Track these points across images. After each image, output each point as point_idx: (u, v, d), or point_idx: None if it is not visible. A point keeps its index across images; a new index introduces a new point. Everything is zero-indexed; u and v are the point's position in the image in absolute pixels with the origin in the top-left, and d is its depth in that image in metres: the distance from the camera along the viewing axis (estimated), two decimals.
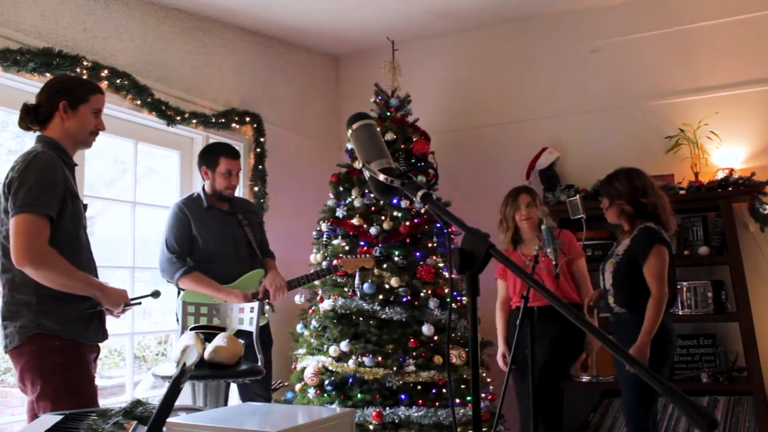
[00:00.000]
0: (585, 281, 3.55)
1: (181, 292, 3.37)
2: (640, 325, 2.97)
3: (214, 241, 3.34)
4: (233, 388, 3.38)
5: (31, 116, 2.27)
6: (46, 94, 2.29)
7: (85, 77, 2.60)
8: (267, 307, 3.37)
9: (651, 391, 2.98)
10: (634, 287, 3.03)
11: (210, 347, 2.58)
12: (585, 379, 3.98)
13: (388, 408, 3.54)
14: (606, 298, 3.18)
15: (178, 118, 3.84)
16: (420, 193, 1.31)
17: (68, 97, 2.27)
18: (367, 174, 1.41)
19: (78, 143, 2.35)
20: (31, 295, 2.13)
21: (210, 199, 3.43)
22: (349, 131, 1.49)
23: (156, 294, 2.57)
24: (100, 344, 2.41)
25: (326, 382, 3.72)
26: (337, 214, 4.05)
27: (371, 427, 3.51)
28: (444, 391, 3.62)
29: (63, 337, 2.14)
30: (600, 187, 3.35)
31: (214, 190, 3.41)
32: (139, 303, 2.51)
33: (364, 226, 3.95)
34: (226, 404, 3.24)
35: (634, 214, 3.12)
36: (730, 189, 3.83)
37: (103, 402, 3.85)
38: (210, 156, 3.43)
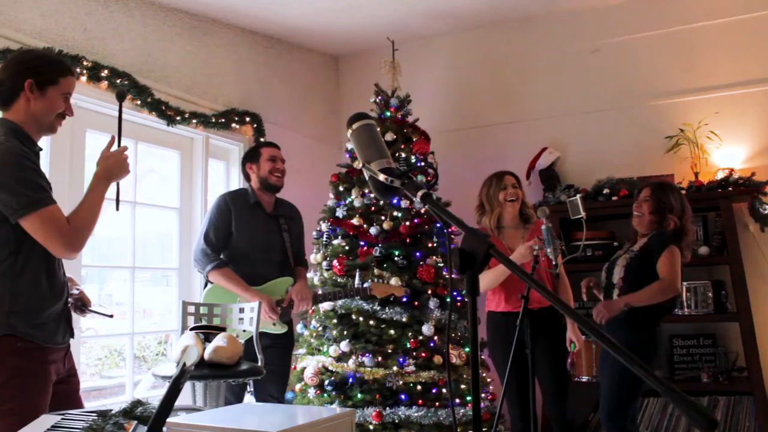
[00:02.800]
0: (563, 281, 3.47)
1: (208, 285, 3.35)
2: (641, 321, 3.01)
3: (249, 240, 3.32)
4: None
5: None
6: (10, 71, 2.08)
7: (55, 57, 2.35)
8: (274, 324, 3.32)
9: (634, 390, 3.01)
10: (643, 283, 3.04)
11: (210, 347, 2.58)
12: (585, 379, 3.98)
13: (388, 408, 3.54)
14: (610, 293, 3.19)
15: (178, 118, 3.84)
16: (420, 193, 1.31)
17: (36, 77, 2.06)
18: (367, 174, 1.41)
19: (42, 127, 2.14)
20: (5, 294, 2.03)
21: (257, 195, 3.42)
22: (349, 131, 1.49)
23: (122, 99, 2.31)
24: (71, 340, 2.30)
25: (326, 382, 3.72)
26: (337, 214, 4.05)
27: (371, 427, 3.51)
28: (444, 391, 3.62)
29: (28, 340, 2.04)
30: (650, 189, 3.24)
31: (262, 179, 3.40)
32: (120, 112, 2.30)
33: (364, 226, 3.95)
34: (241, 401, 3.26)
35: (671, 231, 3.13)
36: (730, 189, 3.83)
37: (103, 402, 3.86)
38: (250, 153, 3.51)
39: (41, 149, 2.20)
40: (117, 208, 2.29)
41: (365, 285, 3.60)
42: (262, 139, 4.46)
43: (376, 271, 3.79)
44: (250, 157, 3.48)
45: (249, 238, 3.32)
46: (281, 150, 3.56)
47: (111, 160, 2.19)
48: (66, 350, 2.27)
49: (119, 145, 2.25)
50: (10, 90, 2.07)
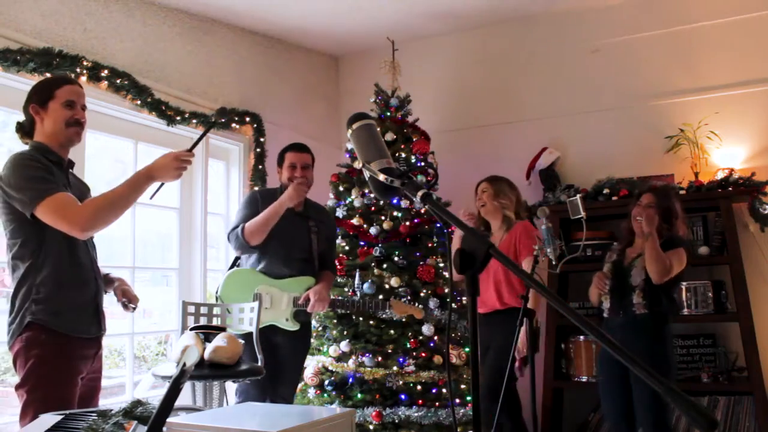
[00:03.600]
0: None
1: (234, 267, 3.38)
2: (658, 326, 3.02)
3: (272, 235, 3.25)
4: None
5: (21, 131, 2.35)
6: (24, 107, 2.34)
7: (53, 77, 2.58)
8: (287, 319, 3.28)
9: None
10: (671, 288, 3.08)
11: (210, 347, 2.58)
12: (584, 379, 3.98)
13: (388, 408, 3.54)
14: (629, 295, 3.14)
15: (178, 118, 3.84)
16: (420, 193, 1.31)
17: (35, 100, 2.30)
18: (367, 174, 1.41)
19: (61, 137, 2.31)
20: (29, 286, 2.19)
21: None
22: (349, 131, 1.49)
23: (212, 125, 2.54)
24: (102, 339, 2.40)
25: (326, 382, 3.72)
26: (337, 214, 4.06)
27: (371, 427, 3.51)
28: (444, 391, 3.62)
29: (52, 329, 2.17)
30: (660, 190, 3.27)
31: (282, 184, 3.38)
32: (206, 133, 2.51)
33: (364, 226, 3.95)
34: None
35: (670, 235, 3.16)
36: (730, 189, 3.83)
37: (103, 402, 3.86)
38: (279, 156, 3.46)
39: (73, 162, 2.41)
40: (151, 197, 2.38)
41: (386, 301, 3.55)
42: (262, 140, 4.47)
43: (375, 271, 3.79)
44: (278, 161, 3.44)
45: (273, 232, 3.25)
46: (309, 152, 3.45)
47: (160, 160, 2.31)
48: (97, 347, 2.37)
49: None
50: (28, 122, 2.33)
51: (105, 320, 2.43)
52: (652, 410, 3.02)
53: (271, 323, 3.23)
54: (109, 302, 2.51)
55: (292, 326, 3.28)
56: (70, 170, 2.42)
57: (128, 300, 2.48)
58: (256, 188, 3.52)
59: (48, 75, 3.09)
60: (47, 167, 2.22)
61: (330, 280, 3.46)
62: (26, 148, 2.32)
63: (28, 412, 2.11)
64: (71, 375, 2.22)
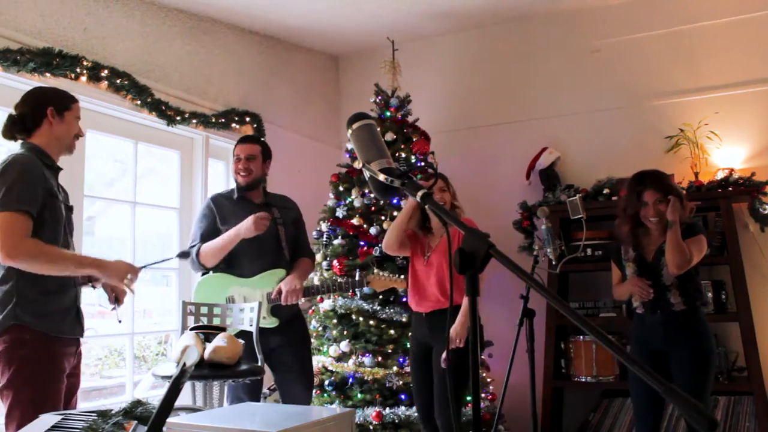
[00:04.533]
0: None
1: (208, 273, 3.26)
2: (700, 319, 2.96)
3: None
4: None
5: (19, 126, 2.37)
6: (31, 104, 2.39)
7: (63, 90, 2.63)
8: (264, 317, 3.14)
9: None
10: (691, 274, 2.98)
11: (210, 347, 2.58)
12: (584, 379, 3.98)
13: (388, 408, 3.54)
14: (665, 295, 2.99)
15: (178, 118, 3.84)
16: (420, 193, 1.31)
17: (54, 105, 2.38)
18: (367, 174, 1.41)
19: (63, 147, 2.45)
20: (12, 287, 2.21)
21: (241, 191, 3.28)
22: (349, 131, 1.49)
23: (183, 255, 2.58)
24: (81, 339, 2.45)
25: (326, 382, 3.72)
26: (337, 214, 4.06)
27: (371, 427, 3.51)
28: None
29: (36, 330, 2.20)
30: (657, 181, 3.06)
31: (236, 180, 3.31)
32: (165, 260, 2.58)
33: (364, 226, 3.95)
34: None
35: (689, 223, 3.05)
36: (730, 189, 3.83)
37: (103, 402, 3.86)
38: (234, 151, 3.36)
39: (61, 168, 2.46)
40: (112, 308, 2.58)
41: (365, 280, 3.37)
42: (261, 139, 4.46)
43: (375, 270, 3.79)
44: (232, 153, 3.37)
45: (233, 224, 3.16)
46: (257, 143, 3.36)
47: (115, 264, 2.42)
48: (77, 346, 2.41)
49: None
50: (33, 119, 2.37)
51: (84, 322, 2.47)
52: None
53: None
54: (107, 303, 2.55)
55: (272, 323, 3.15)
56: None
57: (117, 296, 2.55)
58: (210, 195, 3.42)
59: (48, 75, 3.13)
60: (44, 179, 2.28)
61: (305, 267, 3.30)
62: (23, 151, 2.33)
63: (15, 414, 2.11)
64: (57, 373, 2.25)
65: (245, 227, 3.06)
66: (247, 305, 3.12)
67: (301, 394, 3.23)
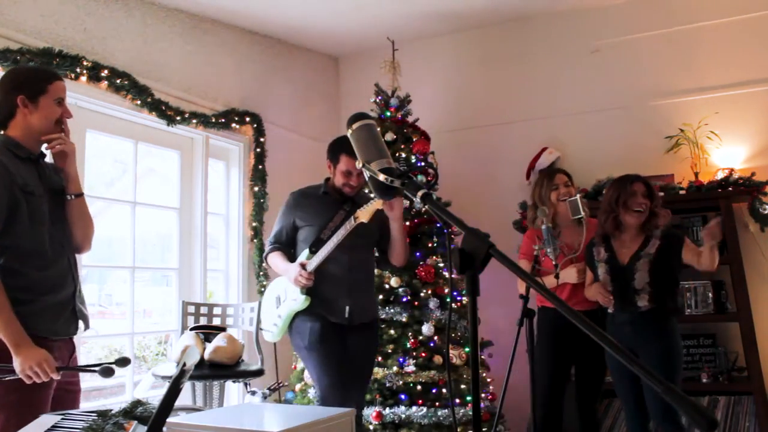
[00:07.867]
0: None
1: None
2: (666, 319, 2.99)
3: (318, 226, 3.09)
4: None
5: None
6: (1, 94, 2.14)
7: (39, 66, 2.39)
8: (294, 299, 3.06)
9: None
10: (669, 282, 3.03)
11: (210, 347, 2.59)
12: None
13: (388, 408, 3.54)
14: (633, 298, 3.03)
15: (178, 118, 3.84)
16: (420, 193, 1.31)
17: (24, 92, 2.12)
18: (367, 174, 1.41)
19: (41, 136, 2.17)
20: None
21: (329, 188, 3.21)
22: (349, 131, 1.50)
23: (122, 362, 2.16)
24: (81, 340, 2.33)
25: None
26: None
27: (371, 427, 3.51)
28: (444, 391, 3.62)
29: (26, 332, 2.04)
30: (651, 191, 3.10)
31: (334, 186, 3.20)
32: (93, 369, 2.11)
33: None
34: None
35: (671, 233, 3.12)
36: (730, 189, 3.83)
37: (103, 402, 3.86)
38: (333, 151, 3.21)
39: (44, 155, 2.24)
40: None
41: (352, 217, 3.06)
42: (262, 140, 4.46)
43: (375, 271, 3.79)
44: (330, 156, 3.21)
45: (318, 223, 3.11)
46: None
47: (28, 356, 2.01)
48: (72, 348, 2.27)
49: None
50: (4, 110, 2.13)
51: (88, 318, 2.31)
52: (660, 400, 2.98)
53: (294, 311, 3.05)
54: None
55: (304, 302, 3.00)
56: (42, 161, 2.24)
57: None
58: (296, 190, 3.33)
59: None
60: (9, 185, 2.04)
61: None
62: None
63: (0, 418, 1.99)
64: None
65: (291, 276, 3.01)
66: (248, 305, 3.12)
67: (358, 399, 3.11)
